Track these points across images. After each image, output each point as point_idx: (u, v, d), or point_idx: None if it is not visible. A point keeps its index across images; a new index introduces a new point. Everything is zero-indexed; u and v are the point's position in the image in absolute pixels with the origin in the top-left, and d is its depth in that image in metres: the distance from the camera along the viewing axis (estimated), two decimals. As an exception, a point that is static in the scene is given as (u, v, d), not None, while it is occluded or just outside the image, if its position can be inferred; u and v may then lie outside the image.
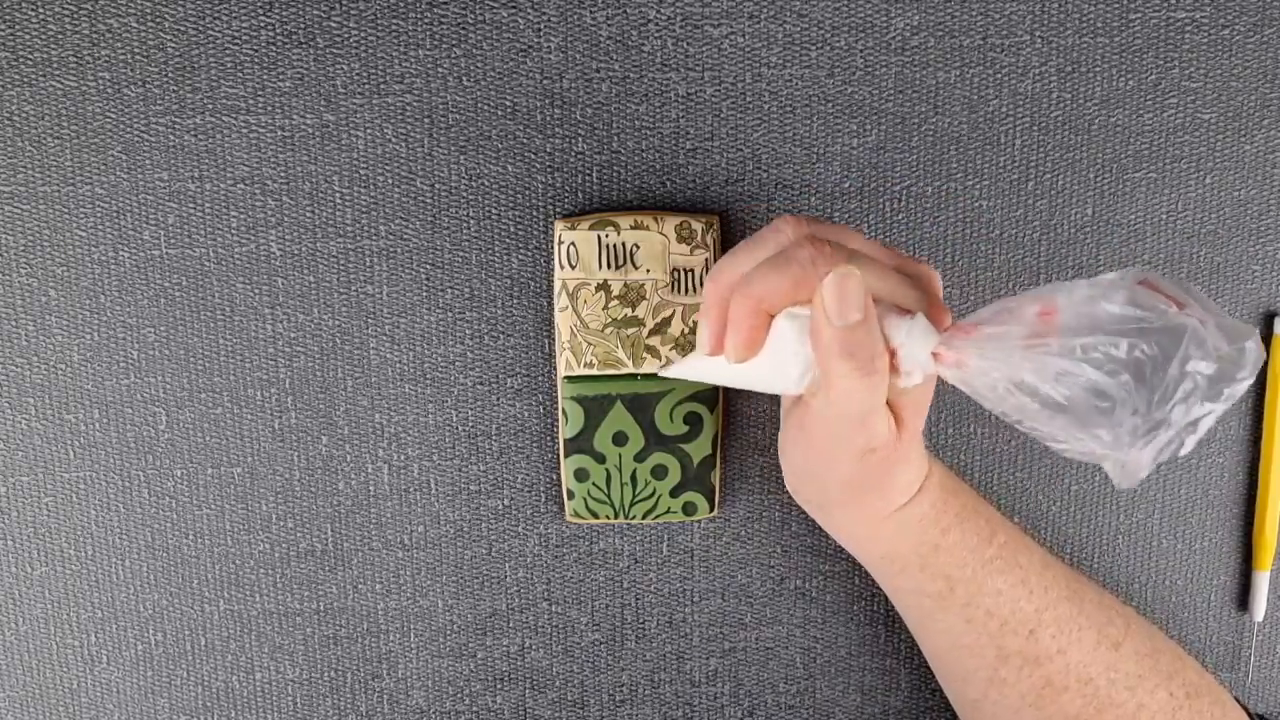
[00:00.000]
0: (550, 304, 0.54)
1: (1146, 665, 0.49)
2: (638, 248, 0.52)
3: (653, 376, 0.53)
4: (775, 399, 0.55)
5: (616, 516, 0.54)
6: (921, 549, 0.48)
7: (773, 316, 0.44)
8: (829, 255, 0.42)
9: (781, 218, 0.44)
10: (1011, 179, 0.54)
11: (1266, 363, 0.56)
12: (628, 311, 0.52)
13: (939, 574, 0.48)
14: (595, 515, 0.54)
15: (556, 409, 0.55)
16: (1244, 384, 0.38)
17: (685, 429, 0.53)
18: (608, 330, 0.52)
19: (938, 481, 0.49)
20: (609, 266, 0.52)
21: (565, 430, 0.53)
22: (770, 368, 0.44)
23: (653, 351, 0.52)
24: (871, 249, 0.45)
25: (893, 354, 0.42)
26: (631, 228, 0.52)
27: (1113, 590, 0.57)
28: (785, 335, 0.44)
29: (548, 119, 0.53)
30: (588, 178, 0.53)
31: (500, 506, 0.56)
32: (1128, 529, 0.57)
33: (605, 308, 0.52)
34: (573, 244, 0.52)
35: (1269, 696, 0.59)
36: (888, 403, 0.44)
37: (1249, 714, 0.51)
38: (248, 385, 0.54)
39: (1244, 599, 0.58)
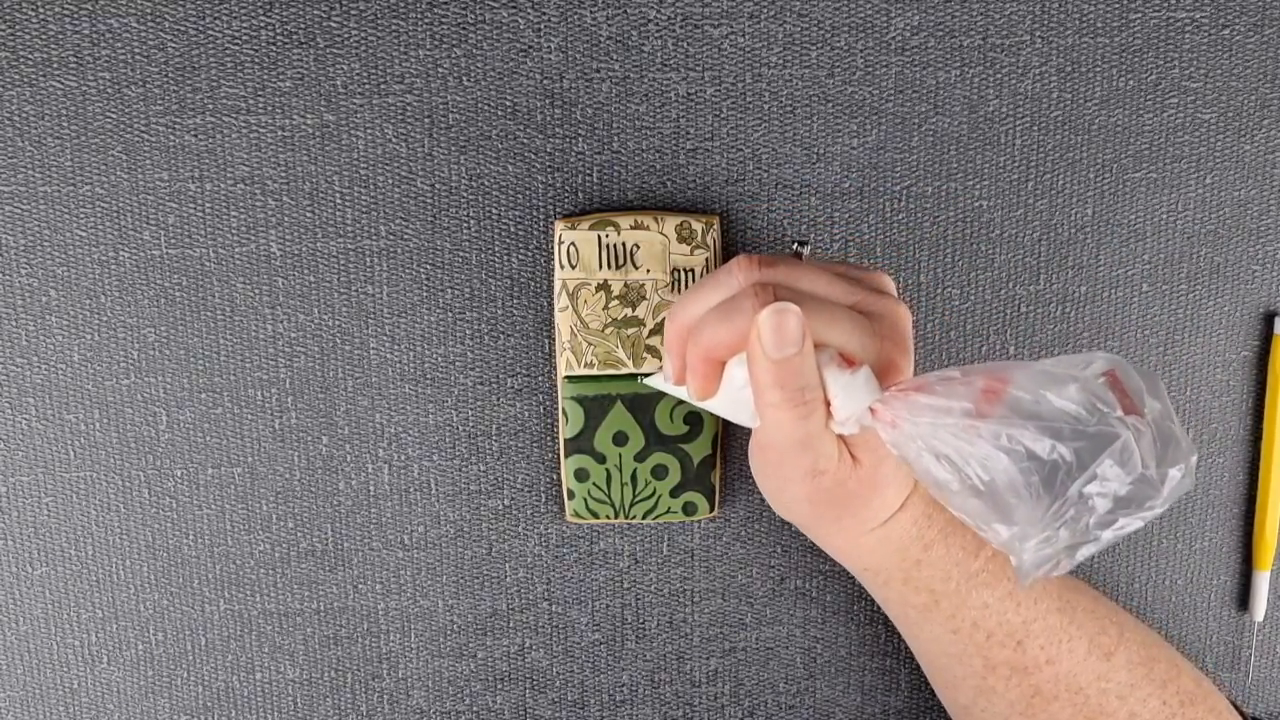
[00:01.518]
0: (550, 304, 0.54)
1: (1140, 674, 0.49)
2: (638, 248, 0.52)
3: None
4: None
5: (616, 516, 0.54)
6: (904, 564, 0.48)
7: (724, 363, 0.45)
8: (762, 300, 0.43)
9: (736, 259, 0.45)
10: (1011, 179, 0.54)
11: (1268, 363, 0.56)
12: (628, 311, 0.52)
13: (922, 588, 0.48)
14: (595, 515, 0.54)
15: (557, 409, 0.55)
16: (1151, 514, 0.38)
17: (685, 429, 0.53)
18: (608, 330, 0.52)
19: (923, 497, 0.48)
20: (609, 266, 0.52)
21: (565, 430, 0.53)
22: (727, 404, 0.46)
23: (653, 351, 0.52)
24: (829, 288, 0.45)
25: (828, 403, 0.43)
26: (631, 228, 0.52)
27: (1113, 590, 0.57)
28: (736, 379, 0.45)
29: (548, 119, 0.53)
30: (588, 178, 0.53)
31: (500, 506, 0.56)
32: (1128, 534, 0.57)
33: (605, 308, 0.52)
34: (573, 244, 0.52)
35: (1269, 697, 0.59)
36: (842, 440, 0.45)
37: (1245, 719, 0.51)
38: (248, 385, 0.54)
39: (1244, 599, 0.58)
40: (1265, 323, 0.56)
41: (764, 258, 0.45)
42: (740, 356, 0.45)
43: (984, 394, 0.39)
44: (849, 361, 0.43)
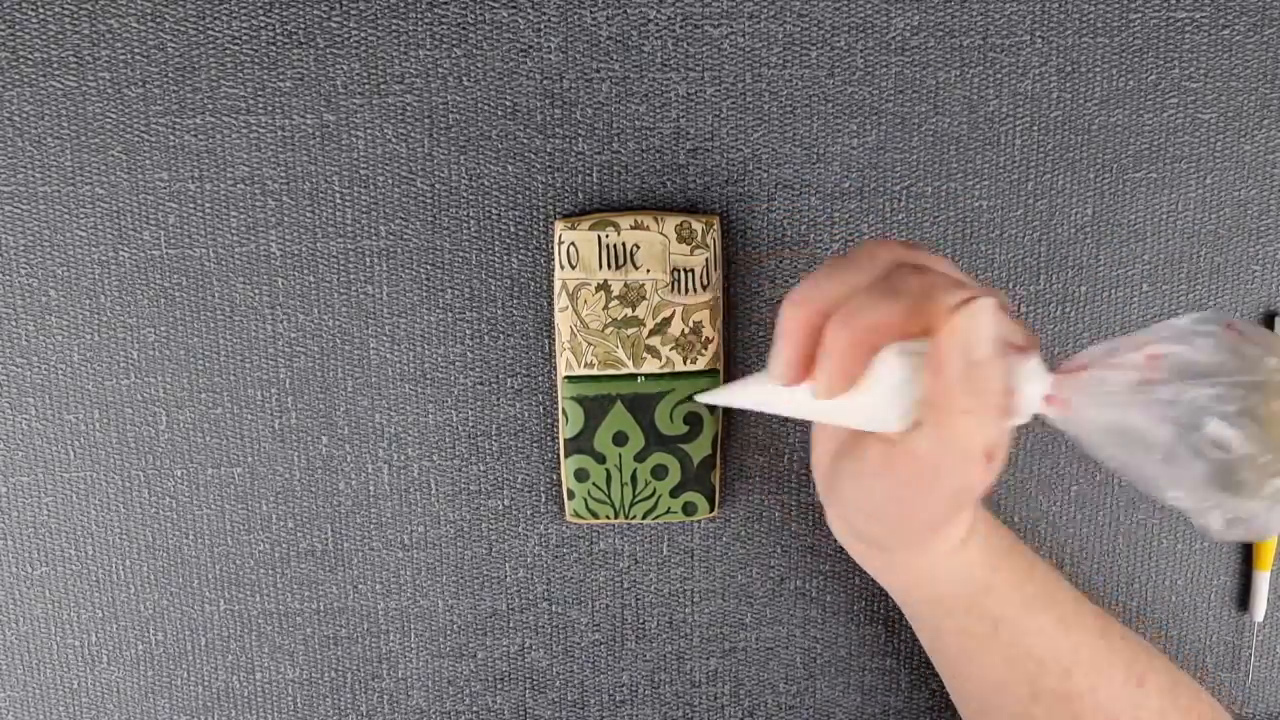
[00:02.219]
0: (550, 304, 0.54)
1: (1168, 700, 0.48)
2: (638, 248, 0.52)
3: (653, 377, 0.53)
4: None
5: (616, 516, 0.54)
6: (972, 590, 0.47)
7: (875, 351, 0.40)
8: (944, 286, 0.38)
9: (871, 241, 0.41)
10: (1011, 179, 0.54)
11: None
12: (628, 311, 0.52)
13: (985, 615, 0.47)
14: (595, 515, 0.54)
15: (556, 409, 0.55)
16: None
17: (685, 429, 0.53)
18: (608, 330, 0.52)
19: (984, 517, 0.47)
20: (609, 266, 0.52)
21: (565, 430, 0.53)
22: (865, 404, 0.40)
23: (653, 351, 0.52)
24: (963, 278, 0.41)
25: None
26: (631, 228, 0.52)
27: (1113, 590, 0.57)
28: (894, 371, 0.40)
29: (548, 119, 0.53)
30: (588, 178, 0.53)
31: (500, 506, 0.56)
32: (1128, 529, 0.57)
33: (605, 308, 0.52)
34: (573, 244, 0.52)
35: (1269, 697, 0.59)
36: None
37: None
38: (248, 385, 0.54)
39: (1244, 599, 0.58)
40: (1265, 322, 0.56)
41: (898, 240, 0.41)
42: (900, 346, 0.39)
43: (1148, 360, 0.37)
44: (1016, 349, 0.39)
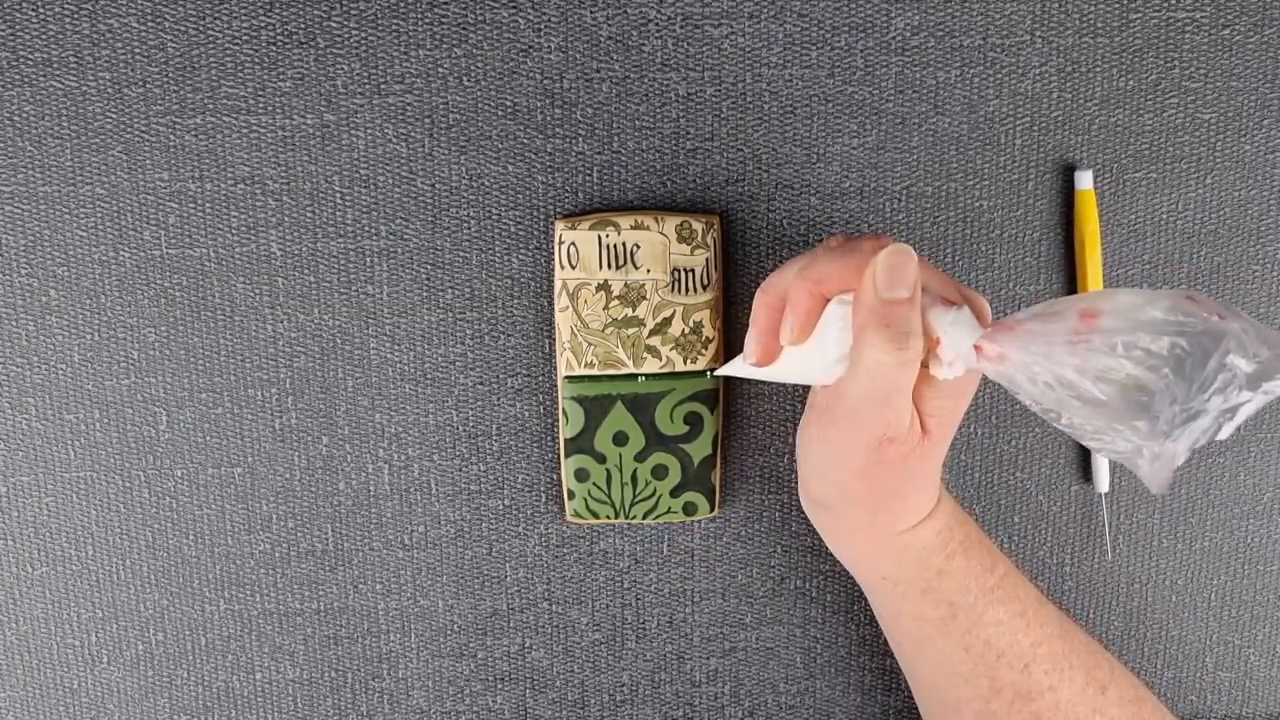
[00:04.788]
0: (550, 304, 0.54)
1: (1130, 711, 0.49)
2: (638, 248, 0.52)
3: (653, 376, 0.53)
4: (777, 400, 0.55)
5: (617, 516, 0.54)
6: (925, 573, 0.48)
7: (825, 302, 0.45)
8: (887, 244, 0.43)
9: (833, 237, 0.46)
10: (1011, 179, 0.54)
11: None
12: (628, 311, 0.52)
13: (941, 599, 0.48)
14: (595, 515, 0.54)
15: (557, 409, 0.55)
16: None
17: (685, 429, 0.53)
18: (608, 330, 0.52)
19: (946, 510, 0.48)
20: (609, 266, 0.52)
21: (565, 430, 0.53)
22: (811, 354, 0.46)
23: (653, 351, 0.52)
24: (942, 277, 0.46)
25: (935, 343, 0.43)
26: (632, 228, 0.52)
27: (1113, 593, 0.57)
28: (832, 318, 0.45)
29: (548, 119, 0.53)
30: (588, 178, 0.53)
31: (500, 506, 0.56)
32: (1128, 529, 0.57)
33: (605, 308, 0.52)
34: (573, 244, 0.52)
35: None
36: (916, 408, 0.44)
37: None
38: (248, 385, 0.54)
39: (1086, 471, 0.58)
40: (1266, 322, 0.56)
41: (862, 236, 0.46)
42: (840, 297, 0.45)
43: (1082, 318, 0.40)
44: (948, 302, 0.43)
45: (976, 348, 0.42)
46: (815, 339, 0.45)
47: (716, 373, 0.50)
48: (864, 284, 0.42)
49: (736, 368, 0.49)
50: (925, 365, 0.44)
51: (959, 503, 0.53)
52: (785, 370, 0.47)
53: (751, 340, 0.47)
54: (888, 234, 0.54)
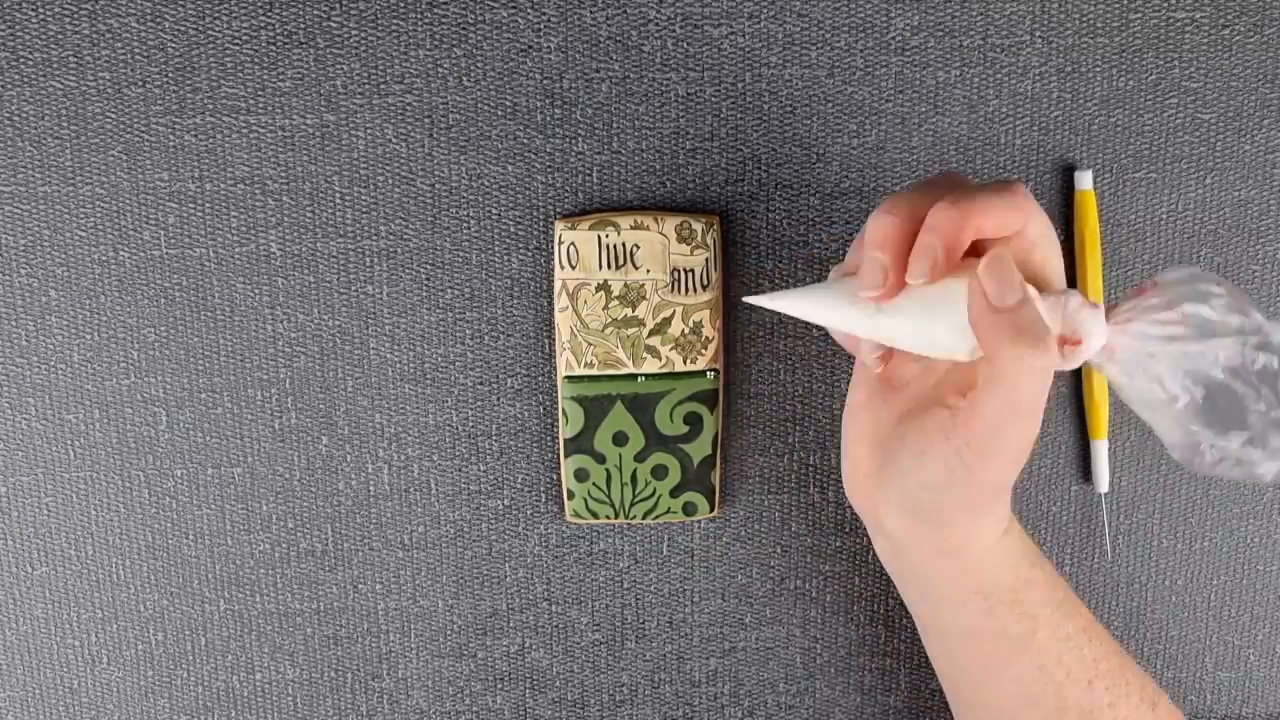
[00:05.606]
0: (550, 304, 0.54)
1: None
2: (638, 248, 0.52)
3: (653, 377, 0.53)
4: (777, 400, 0.55)
5: (616, 516, 0.54)
6: (1015, 582, 0.46)
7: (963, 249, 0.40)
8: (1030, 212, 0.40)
9: (945, 173, 0.41)
10: (1011, 179, 0.54)
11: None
12: (628, 311, 0.52)
13: (1025, 613, 0.46)
14: (595, 515, 0.54)
15: (556, 409, 0.55)
16: None
17: (685, 429, 0.53)
18: (608, 330, 0.52)
19: (1010, 514, 0.47)
20: (609, 266, 0.52)
21: (565, 430, 0.53)
22: (935, 330, 0.40)
23: (653, 351, 0.52)
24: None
25: (1065, 338, 0.40)
26: (631, 228, 0.52)
27: (1112, 593, 0.57)
28: (961, 300, 0.40)
29: (548, 119, 0.53)
30: (588, 178, 0.53)
31: (500, 506, 0.56)
32: (1128, 529, 0.57)
33: (605, 308, 0.52)
34: (573, 244, 0.52)
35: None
36: None
37: None
38: (248, 385, 0.54)
39: (1086, 471, 0.58)
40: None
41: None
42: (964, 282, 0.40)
43: (1183, 317, 0.39)
44: (1052, 291, 0.40)
45: (1106, 347, 0.40)
46: (941, 296, 0.39)
47: (751, 300, 0.42)
48: (974, 301, 0.39)
49: (794, 301, 0.41)
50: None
51: None
52: (896, 327, 0.40)
53: (872, 267, 0.39)
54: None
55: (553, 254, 0.54)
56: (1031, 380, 0.39)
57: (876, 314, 0.40)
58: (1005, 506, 0.45)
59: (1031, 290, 0.40)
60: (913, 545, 0.46)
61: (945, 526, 0.44)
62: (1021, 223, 0.40)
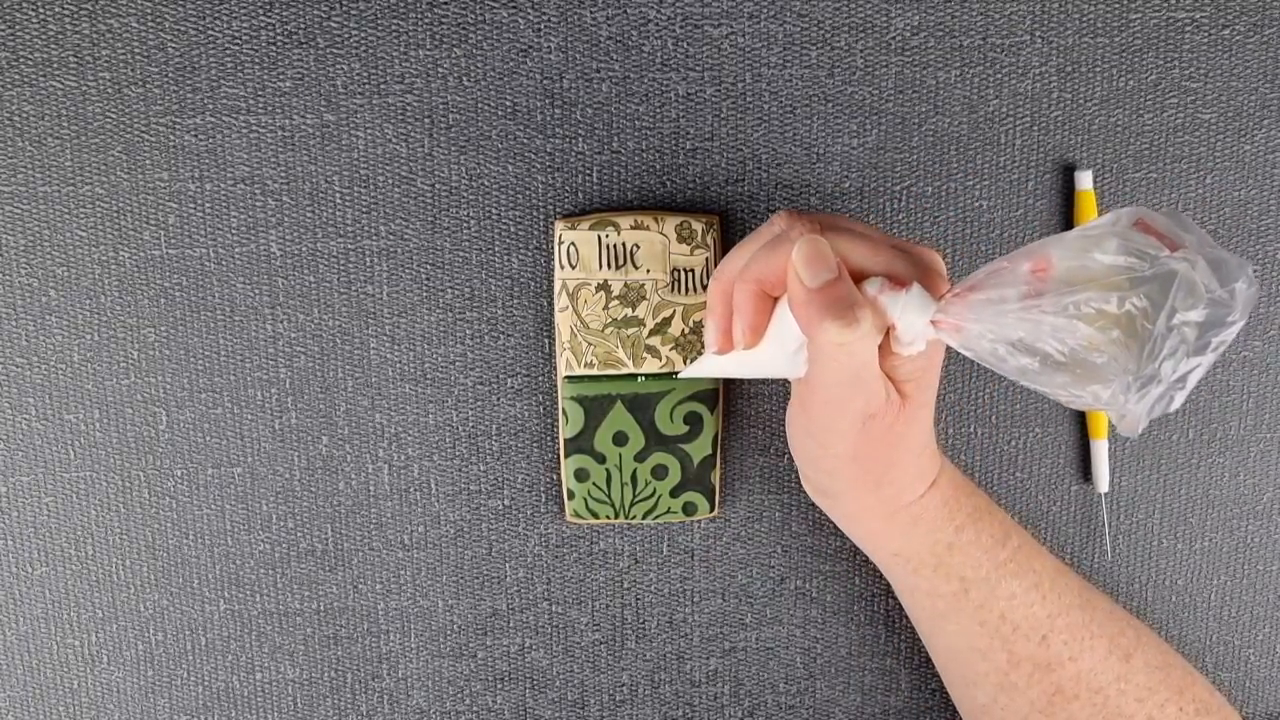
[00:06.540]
0: (550, 304, 0.54)
1: (1157, 678, 0.49)
2: (638, 248, 0.52)
3: (653, 376, 0.53)
4: (777, 400, 0.55)
5: (616, 516, 0.54)
6: (935, 547, 0.48)
7: (775, 301, 0.46)
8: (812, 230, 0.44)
9: (777, 213, 0.46)
10: (1011, 179, 0.54)
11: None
12: (628, 311, 0.52)
13: (953, 574, 0.48)
14: (595, 515, 0.54)
15: (556, 409, 0.55)
16: (1234, 328, 0.39)
17: (685, 429, 0.53)
18: (608, 330, 0.52)
19: (950, 479, 0.49)
20: (609, 266, 0.52)
21: (565, 430, 0.53)
22: (772, 351, 0.46)
23: (653, 351, 0.52)
24: (866, 230, 0.45)
25: (891, 328, 0.43)
26: (631, 228, 0.52)
27: (1112, 593, 0.57)
28: (783, 316, 0.45)
29: (548, 119, 0.53)
30: (588, 178, 0.53)
31: (500, 506, 0.56)
32: (1128, 529, 0.57)
33: (605, 308, 0.52)
34: (573, 244, 0.52)
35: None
36: (889, 377, 0.45)
37: None
38: (248, 385, 0.54)
39: (1086, 470, 0.58)
40: (1266, 322, 0.56)
41: (805, 211, 0.46)
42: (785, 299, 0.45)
43: (1033, 274, 0.40)
44: (898, 283, 0.43)
45: (933, 322, 0.42)
46: (771, 337, 0.46)
47: (681, 375, 0.51)
48: (790, 284, 0.43)
49: (702, 367, 0.49)
50: (887, 340, 0.44)
51: (965, 475, 0.53)
52: (749, 364, 0.47)
53: (710, 329, 0.47)
54: (888, 233, 0.54)
55: (553, 254, 0.54)
56: (851, 354, 0.42)
57: (737, 360, 0.48)
58: (894, 481, 0.47)
59: (877, 285, 0.43)
60: (835, 518, 0.51)
61: (839, 499, 0.48)
62: (783, 259, 0.44)
